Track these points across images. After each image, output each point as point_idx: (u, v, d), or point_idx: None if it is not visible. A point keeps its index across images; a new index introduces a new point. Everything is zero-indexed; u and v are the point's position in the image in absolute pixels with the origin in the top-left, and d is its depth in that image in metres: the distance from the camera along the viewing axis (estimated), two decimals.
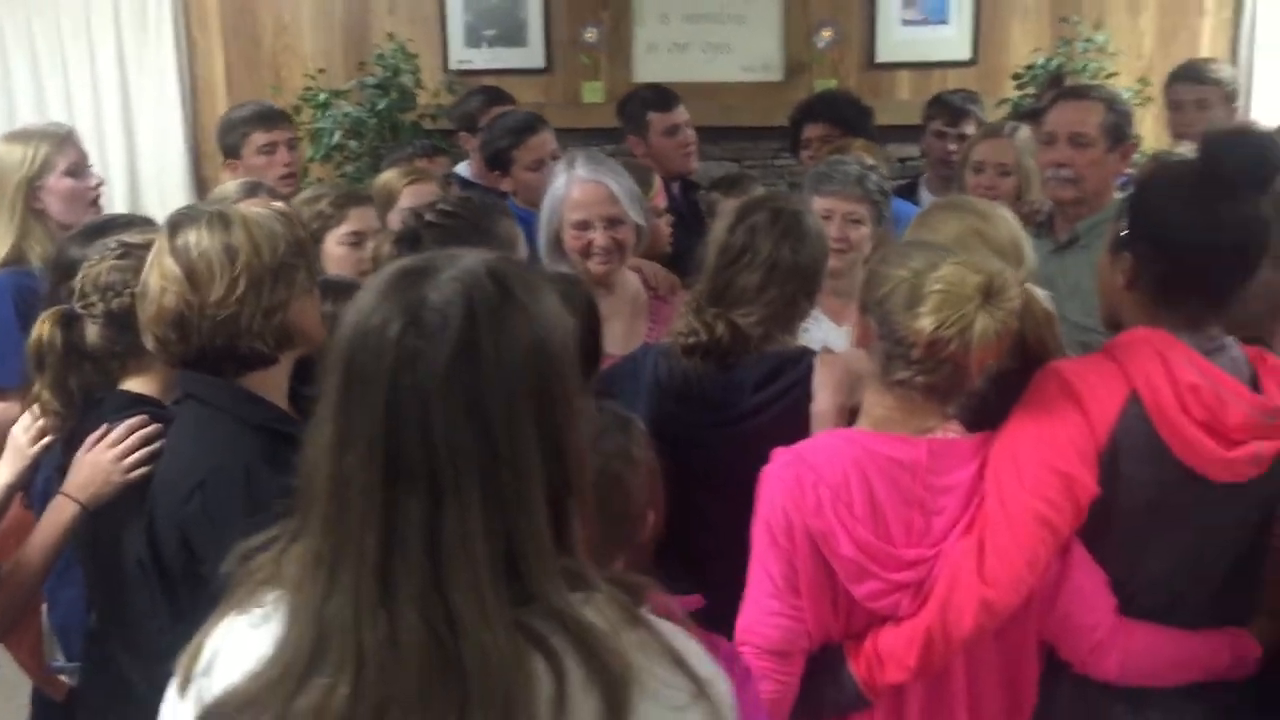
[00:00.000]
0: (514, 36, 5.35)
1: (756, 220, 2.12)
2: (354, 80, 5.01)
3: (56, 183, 2.75)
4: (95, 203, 2.85)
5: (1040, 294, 1.90)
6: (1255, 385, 1.72)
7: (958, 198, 2.46)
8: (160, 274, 1.75)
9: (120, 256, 1.97)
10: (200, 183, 5.39)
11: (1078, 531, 1.67)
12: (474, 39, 5.33)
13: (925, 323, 1.59)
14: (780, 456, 1.70)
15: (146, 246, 1.93)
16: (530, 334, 0.98)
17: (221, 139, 3.41)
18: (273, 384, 1.82)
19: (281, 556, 1.04)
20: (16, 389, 2.24)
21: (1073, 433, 1.63)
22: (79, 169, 2.80)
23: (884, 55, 5.37)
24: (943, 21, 5.36)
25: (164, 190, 5.29)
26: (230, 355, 1.77)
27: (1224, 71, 3.72)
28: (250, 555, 1.08)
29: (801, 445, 1.72)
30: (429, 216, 2.42)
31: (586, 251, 2.56)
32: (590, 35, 5.25)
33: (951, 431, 1.70)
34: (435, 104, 5.02)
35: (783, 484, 1.67)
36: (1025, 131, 3.19)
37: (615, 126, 4.10)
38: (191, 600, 1.74)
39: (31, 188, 2.72)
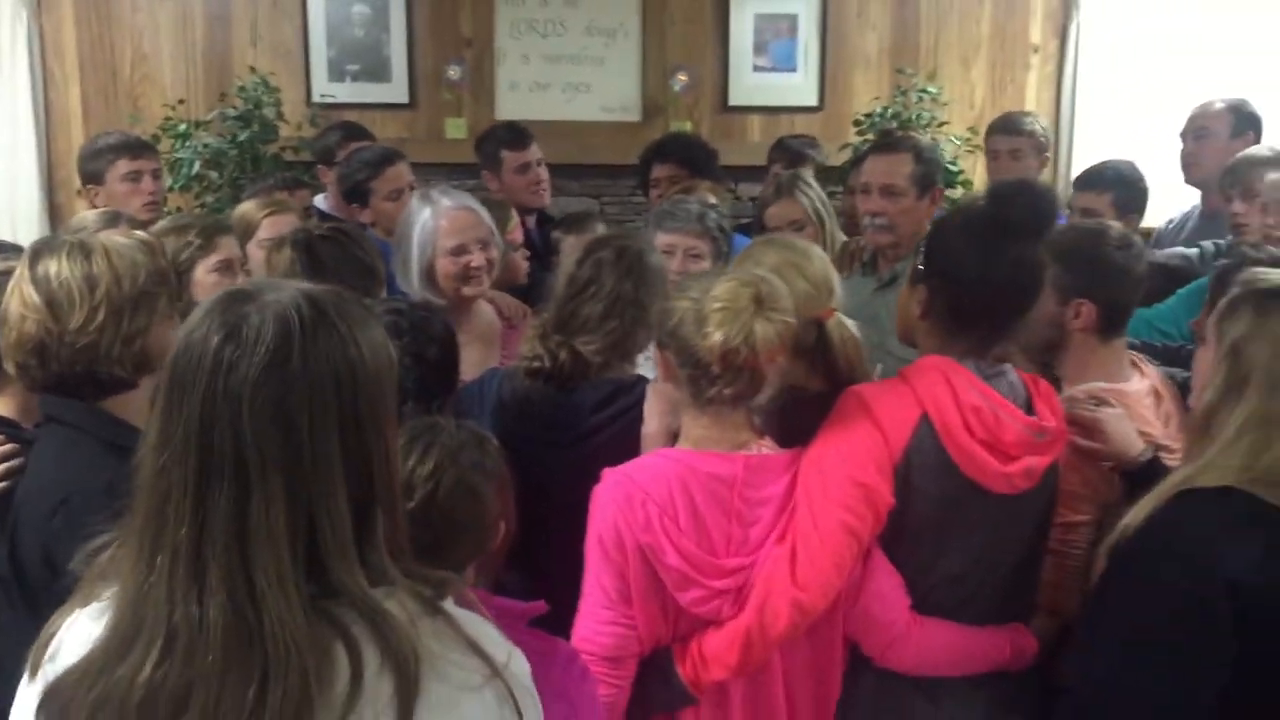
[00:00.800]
0: (377, 72, 5.44)
1: (602, 256, 2.28)
2: (215, 111, 5.03)
3: None
4: None
5: (849, 323, 2.10)
6: (1029, 407, 1.94)
7: (778, 236, 2.67)
8: (20, 302, 1.82)
9: None
10: (53, 210, 5.33)
11: (877, 537, 1.86)
12: (337, 73, 5.41)
13: (715, 339, 1.77)
14: (610, 476, 1.85)
15: (7, 274, 1.99)
16: (342, 355, 1.11)
17: (84, 165, 3.44)
18: (134, 407, 1.89)
19: (116, 553, 1.15)
20: None
21: (871, 448, 1.83)
22: None
23: (736, 99, 5.62)
24: (791, 69, 5.63)
25: (16, 218, 5.19)
26: (90, 380, 1.84)
27: (1036, 124, 4.05)
28: (96, 554, 1.18)
29: (629, 465, 1.87)
30: (319, 232, 2.58)
31: (465, 275, 2.71)
32: (454, 73, 5.37)
33: (765, 448, 1.88)
34: (298, 136, 5.07)
35: (613, 501, 1.82)
36: (809, 184, 3.37)
37: (477, 162, 4.23)
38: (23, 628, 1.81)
39: None
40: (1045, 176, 5.07)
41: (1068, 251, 2.29)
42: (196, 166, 4.78)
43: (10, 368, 1.85)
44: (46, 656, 1.15)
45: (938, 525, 1.88)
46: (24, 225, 5.12)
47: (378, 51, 5.43)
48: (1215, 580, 1.64)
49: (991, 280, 1.88)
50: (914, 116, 5.17)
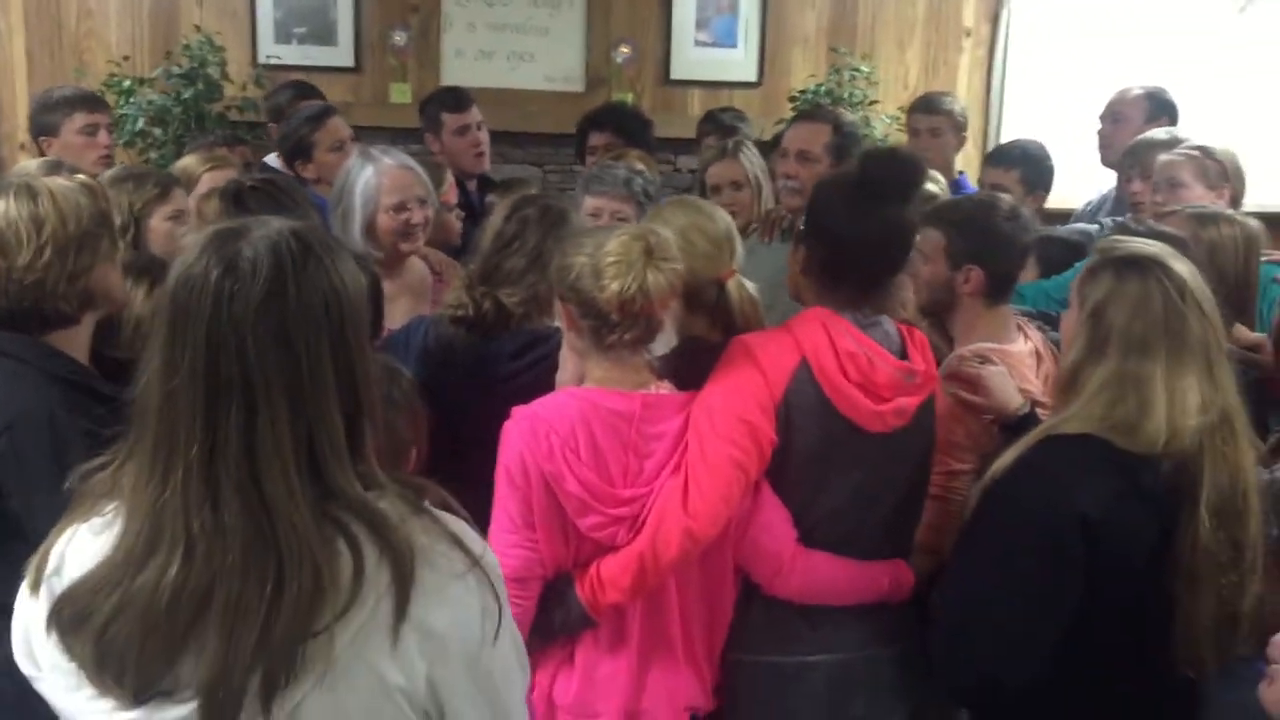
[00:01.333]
0: (324, 35, 5.50)
1: (528, 213, 2.41)
2: (160, 69, 5.07)
3: None
4: None
5: (749, 284, 2.26)
6: (903, 354, 2.11)
7: (688, 197, 2.81)
8: None
9: None
10: None
11: (764, 474, 2.02)
12: (283, 35, 5.46)
13: (612, 289, 1.91)
14: (518, 412, 1.99)
15: None
16: (328, 283, 1.22)
17: (39, 117, 3.50)
18: (76, 342, 2.01)
19: (117, 473, 1.25)
20: None
21: (755, 389, 1.98)
22: None
23: (678, 73, 5.74)
24: (732, 45, 5.77)
25: None
26: (35, 315, 1.95)
27: (955, 104, 4.23)
28: (89, 474, 1.28)
29: (535, 402, 2.00)
30: (250, 183, 2.68)
31: (404, 231, 2.85)
32: (399, 38, 5.44)
33: (664, 389, 2.03)
34: (242, 96, 5.13)
35: (520, 434, 1.96)
36: (750, 149, 3.50)
37: (420, 127, 4.33)
38: None
39: None
40: (969, 154, 5.29)
41: (960, 221, 2.47)
42: (140, 123, 4.83)
43: None
44: (49, 571, 1.24)
45: (819, 461, 2.04)
46: None
47: (324, 14, 5.49)
48: (1069, 514, 1.82)
49: (861, 239, 2.04)
50: (847, 94, 5.33)
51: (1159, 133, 3.47)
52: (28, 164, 3.03)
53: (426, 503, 1.28)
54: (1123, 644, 1.88)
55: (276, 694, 1.15)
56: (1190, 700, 1.96)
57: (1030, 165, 3.70)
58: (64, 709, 1.22)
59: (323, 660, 1.16)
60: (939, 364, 2.31)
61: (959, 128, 4.17)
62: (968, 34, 5.88)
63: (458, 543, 1.25)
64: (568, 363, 2.27)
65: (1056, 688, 1.87)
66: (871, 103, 5.38)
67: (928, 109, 4.17)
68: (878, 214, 2.05)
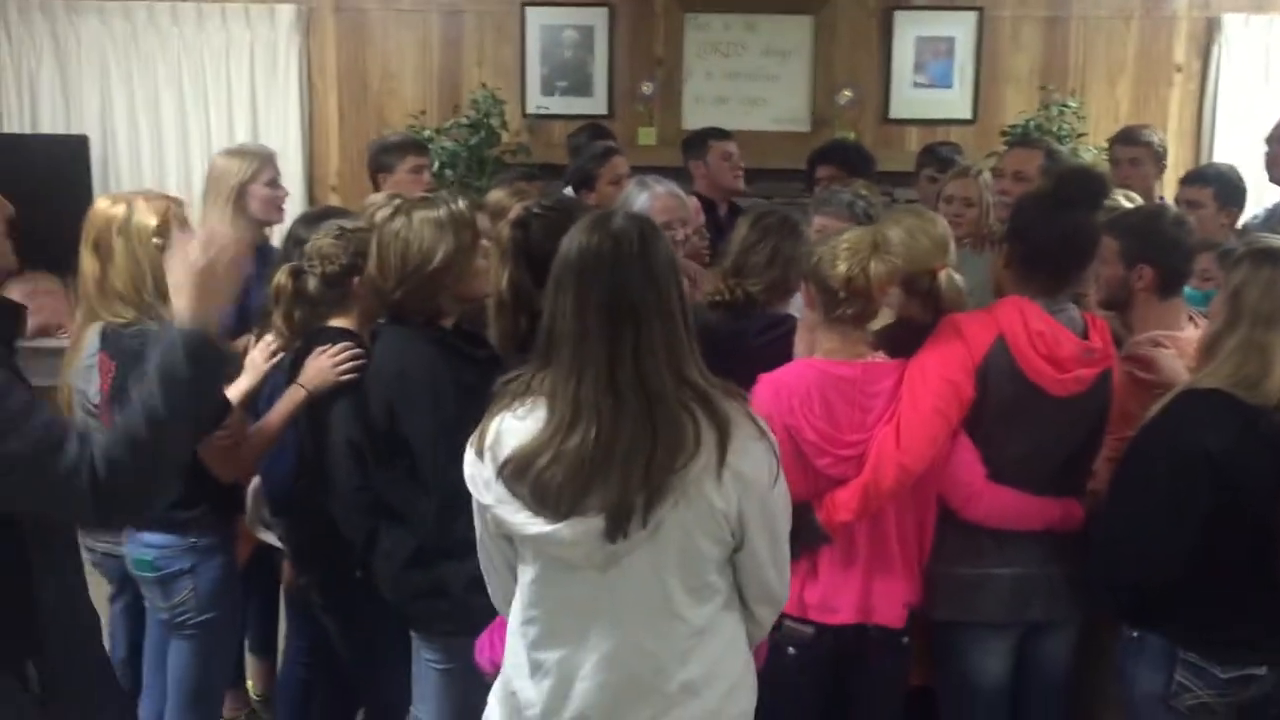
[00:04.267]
0: (582, 87, 6.33)
1: (769, 222, 3.07)
2: (450, 120, 5.99)
3: (259, 189, 3.72)
4: (280, 208, 3.82)
5: (957, 277, 2.80)
6: (1085, 335, 2.61)
7: (915, 205, 3.37)
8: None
9: (337, 237, 2.87)
10: (312, 202, 6.33)
11: (962, 423, 2.56)
12: (549, 88, 6.32)
13: (840, 270, 2.50)
14: (763, 378, 2.59)
15: (355, 230, 2.88)
16: (665, 247, 1.90)
17: (378, 157, 4.30)
18: (449, 319, 2.74)
19: (532, 380, 1.90)
20: (232, 338, 3.16)
21: (959, 355, 2.53)
22: (275, 181, 3.77)
23: (896, 113, 6.30)
24: (948, 86, 6.28)
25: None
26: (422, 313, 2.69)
27: (1154, 136, 4.61)
28: (506, 384, 1.94)
29: (778, 370, 2.61)
30: (535, 210, 3.38)
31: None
32: (646, 88, 6.19)
33: (878, 358, 2.60)
34: (516, 142, 5.99)
35: (766, 395, 2.55)
36: (988, 174, 4.09)
37: (665, 166, 5.01)
38: (383, 466, 2.65)
39: (241, 191, 3.70)
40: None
41: (1131, 228, 2.93)
42: (436, 166, 5.72)
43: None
44: (488, 444, 1.89)
45: (1008, 416, 2.57)
46: (287, 216, 6.16)
47: (583, 69, 6.32)
48: (1198, 451, 2.31)
49: (1051, 239, 2.58)
50: (1056, 129, 5.74)
51: None
52: (376, 197, 3.84)
53: (733, 393, 1.92)
54: (1242, 560, 2.34)
55: (653, 511, 1.80)
56: None
57: (1223, 183, 4.08)
58: (510, 524, 1.90)
59: (678, 489, 1.81)
60: (1119, 348, 2.79)
61: (1158, 158, 4.56)
62: (1178, 70, 6.19)
63: (753, 419, 1.89)
64: (801, 341, 2.87)
65: (1187, 593, 2.34)
66: (1080, 135, 5.77)
67: (1127, 140, 4.59)
68: (1066, 219, 2.58)
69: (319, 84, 6.42)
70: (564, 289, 1.87)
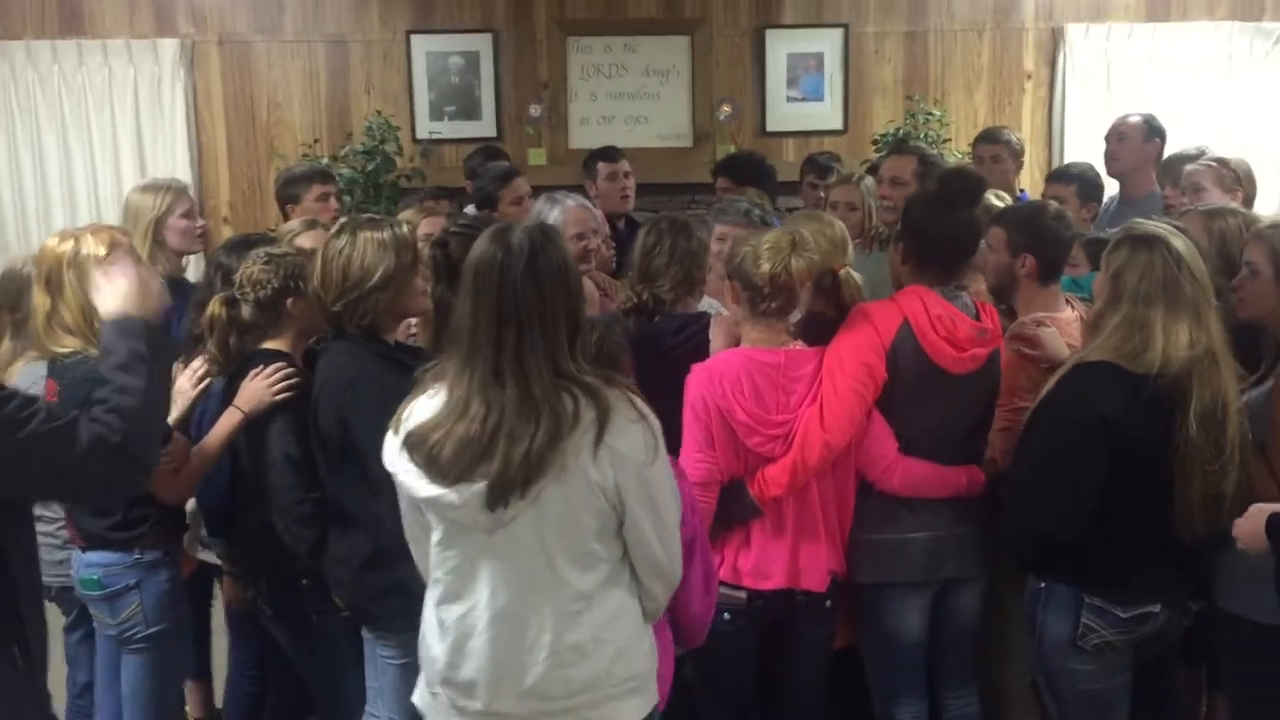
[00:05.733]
0: (470, 111, 6.49)
1: (662, 225, 3.32)
2: (345, 148, 6.08)
3: (176, 222, 3.79)
4: (198, 237, 3.90)
5: (855, 275, 3.06)
6: (977, 317, 2.90)
7: (813, 211, 3.65)
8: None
9: (267, 262, 2.98)
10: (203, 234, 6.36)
11: (876, 402, 2.81)
12: (437, 114, 6.46)
13: (765, 268, 2.74)
14: (697, 367, 2.82)
15: (284, 255, 3.00)
16: (559, 255, 2.10)
17: (284, 189, 4.41)
18: (390, 334, 2.89)
19: (438, 370, 2.13)
20: None
21: (871, 340, 2.79)
22: (191, 212, 3.85)
23: (773, 125, 6.63)
24: (820, 99, 6.64)
25: None
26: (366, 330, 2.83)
27: (1011, 135, 5.04)
28: (423, 374, 2.16)
29: (710, 359, 2.85)
30: (452, 229, 3.54)
31: (583, 255, 3.70)
32: (534, 111, 6.39)
33: (798, 345, 2.84)
34: (410, 167, 6.12)
35: (700, 382, 2.78)
36: (870, 180, 4.40)
37: (556, 185, 5.14)
38: (333, 475, 2.78)
39: (158, 224, 3.76)
40: (1035, 179, 6.05)
41: (1017, 220, 3.24)
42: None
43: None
44: (403, 420, 2.13)
45: (915, 393, 2.84)
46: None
47: (470, 94, 6.48)
48: (1093, 415, 2.59)
49: (940, 234, 2.87)
50: (922, 135, 6.13)
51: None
52: (292, 224, 3.95)
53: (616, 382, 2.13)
54: (1137, 512, 2.63)
55: (532, 484, 2.02)
56: (1192, 559, 2.69)
57: (1084, 181, 4.47)
58: (410, 488, 2.12)
59: (557, 465, 2.02)
60: (1004, 329, 3.08)
61: (1016, 155, 4.96)
62: (1029, 77, 6.67)
63: (633, 404, 2.10)
64: (716, 336, 3.10)
65: (1090, 544, 2.62)
66: (944, 140, 6.17)
67: (989, 140, 5.01)
68: (951, 216, 2.86)
69: (206, 116, 6.45)
70: (464, 291, 2.12)
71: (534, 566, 2.10)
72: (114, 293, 2.12)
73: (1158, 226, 2.80)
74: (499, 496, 2.02)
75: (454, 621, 2.16)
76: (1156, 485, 2.61)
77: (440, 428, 2.07)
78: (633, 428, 2.07)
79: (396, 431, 2.15)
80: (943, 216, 2.86)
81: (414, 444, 2.10)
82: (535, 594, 2.11)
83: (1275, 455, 2.65)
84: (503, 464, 2.01)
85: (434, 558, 2.19)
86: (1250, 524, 2.42)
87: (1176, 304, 2.63)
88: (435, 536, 2.17)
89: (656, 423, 2.14)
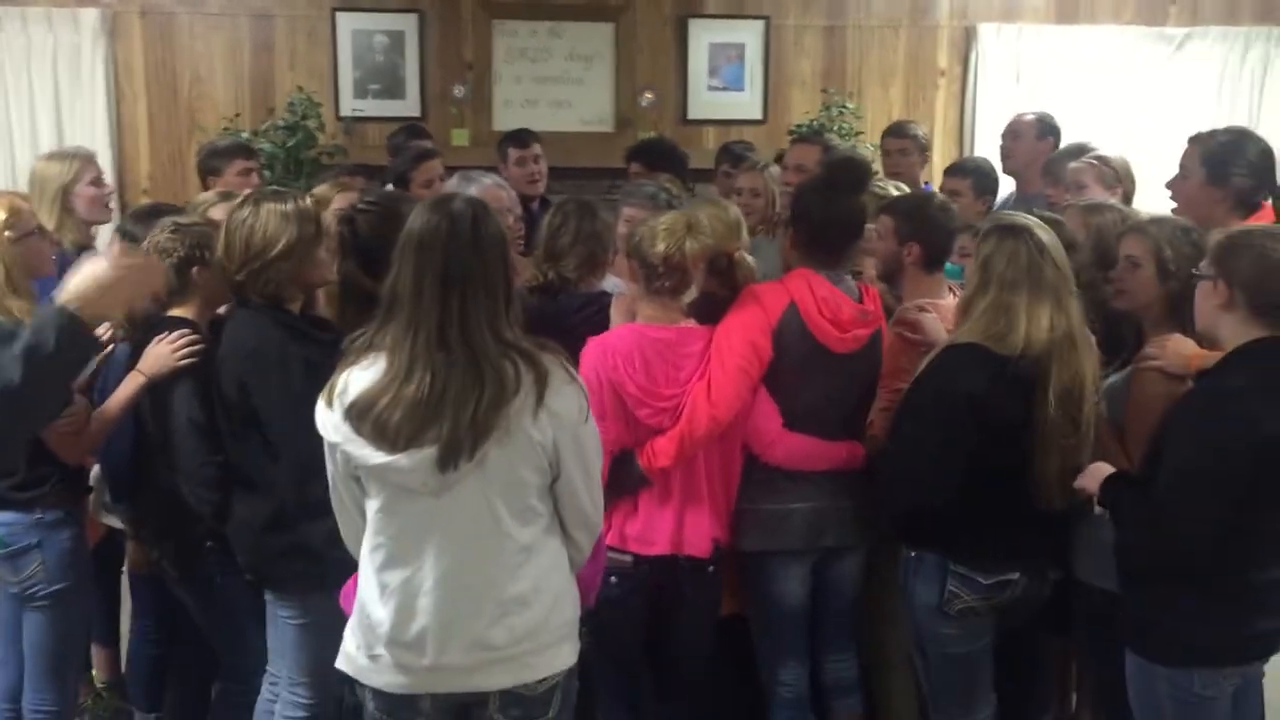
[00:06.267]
0: (395, 90, 6.54)
1: (568, 207, 3.43)
2: (267, 123, 6.10)
3: (84, 190, 3.83)
4: (108, 206, 3.93)
5: (749, 258, 3.20)
6: (860, 300, 3.05)
7: (710, 196, 3.79)
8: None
9: (174, 231, 3.05)
10: (123, 207, 6.32)
11: (762, 379, 2.96)
12: (361, 91, 6.50)
13: (660, 248, 2.87)
14: (591, 341, 2.95)
15: (191, 224, 3.07)
16: (496, 225, 2.22)
17: (206, 160, 4.44)
18: (294, 304, 2.96)
19: (375, 337, 2.20)
20: None
21: (758, 320, 2.94)
22: (99, 180, 3.89)
23: (694, 114, 6.75)
24: (740, 89, 6.77)
25: None
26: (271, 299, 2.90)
27: (918, 130, 5.20)
28: (352, 342, 2.25)
29: (604, 334, 2.98)
30: (359, 206, 3.61)
31: None
32: (458, 91, 6.46)
33: (691, 324, 2.98)
34: (333, 144, 6.16)
35: (593, 355, 2.91)
36: (775, 168, 4.54)
37: (478, 165, 5.22)
38: (235, 440, 2.86)
39: (66, 193, 3.80)
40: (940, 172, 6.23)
41: (904, 210, 3.39)
42: None
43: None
44: (337, 392, 2.20)
45: (800, 371, 2.99)
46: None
47: (395, 73, 6.53)
48: (960, 392, 2.76)
49: (826, 220, 3.02)
50: (836, 128, 6.30)
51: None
52: (206, 195, 3.99)
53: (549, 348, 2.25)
54: (999, 486, 2.80)
55: (479, 445, 2.13)
56: (1050, 530, 2.87)
57: (979, 175, 4.65)
58: (356, 457, 2.19)
59: (501, 427, 2.14)
60: (889, 315, 3.24)
61: (922, 149, 5.14)
62: (942, 74, 6.86)
63: (565, 368, 2.24)
64: (617, 313, 3.22)
65: (955, 515, 2.79)
66: (858, 134, 6.35)
67: (896, 134, 5.17)
68: (838, 202, 3.01)
69: (126, 88, 6.42)
70: (406, 259, 2.19)
71: (479, 524, 2.21)
72: (76, 278, 2.20)
73: (1024, 218, 2.95)
74: (449, 458, 2.12)
75: (399, 585, 2.24)
76: (1017, 459, 2.78)
77: (386, 393, 2.14)
78: (568, 389, 2.21)
79: (331, 403, 2.21)
80: (829, 203, 3.01)
81: (360, 413, 2.16)
82: (481, 550, 2.22)
83: (1130, 434, 2.83)
84: (452, 427, 2.11)
85: (374, 523, 2.26)
86: (1089, 479, 2.66)
87: (1039, 290, 2.78)
88: (375, 504, 2.25)
89: (584, 385, 2.28)
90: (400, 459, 2.14)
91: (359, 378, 2.19)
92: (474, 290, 2.15)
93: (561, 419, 2.20)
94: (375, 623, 2.27)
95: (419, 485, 2.17)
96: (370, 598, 2.28)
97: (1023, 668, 3.18)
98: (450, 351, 2.13)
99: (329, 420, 2.22)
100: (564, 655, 2.32)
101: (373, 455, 2.17)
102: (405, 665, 2.25)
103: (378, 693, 2.29)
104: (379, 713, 2.31)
